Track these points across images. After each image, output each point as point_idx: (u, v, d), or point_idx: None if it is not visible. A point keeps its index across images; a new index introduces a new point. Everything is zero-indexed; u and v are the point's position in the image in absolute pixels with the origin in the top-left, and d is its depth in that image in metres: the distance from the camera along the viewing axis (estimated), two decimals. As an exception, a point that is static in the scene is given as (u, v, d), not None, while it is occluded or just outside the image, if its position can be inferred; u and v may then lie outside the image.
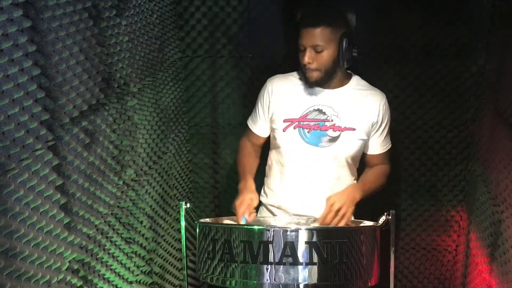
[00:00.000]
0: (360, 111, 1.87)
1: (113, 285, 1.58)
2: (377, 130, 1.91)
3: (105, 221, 1.50)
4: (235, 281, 1.48)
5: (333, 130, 1.85)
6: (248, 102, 2.43)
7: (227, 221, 1.92)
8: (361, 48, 2.36)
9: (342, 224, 1.70)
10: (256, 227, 1.52)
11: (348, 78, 1.92)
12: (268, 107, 1.94)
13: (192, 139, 2.60)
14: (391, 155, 2.04)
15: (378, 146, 1.95)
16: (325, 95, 1.88)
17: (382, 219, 1.59)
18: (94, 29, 1.43)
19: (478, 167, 2.31)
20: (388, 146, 1.99)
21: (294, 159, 1.91)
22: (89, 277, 1.39)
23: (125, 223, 1.66)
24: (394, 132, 2.46)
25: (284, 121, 1.89)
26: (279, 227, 1.50)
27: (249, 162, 2.01)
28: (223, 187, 2.70)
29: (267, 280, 1.44)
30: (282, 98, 1.91)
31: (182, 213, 1.68)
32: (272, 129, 1.96)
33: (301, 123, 1.86)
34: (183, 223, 1.69)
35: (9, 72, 1.01)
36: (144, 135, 1.89)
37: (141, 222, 1.82)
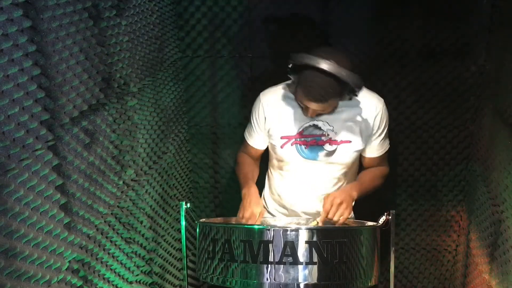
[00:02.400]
0: (355, 123, 1.85)
1: (113, 285, 1.58)
2: (374, 136, 1.89)
3: (105, 221, 1.50)
4: (235, 281, 1.48)
5: (329, 144, 1.85)
6: (248, 102, 2.43)
7: (227, 221, 1.92)
8: (361, 49, 2.38)
9: (344, 217, 1.70)
10: (256, 227, 1.52)
11: None
12: (264, 123, 1.93)
13: (192, 139, 2.60)
14: (389, 157, 2.02)
15: (375, 149, 1.93)
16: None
17: (382, 219, 1.59)
18: (94, 29, 1.43)
19: (478, 167, 2.31)
20: (386, 148, 1.96)
21: (293, 172, 1.94)
22: (89, 277, 1.39)
23: (125, 223, 1.66)
24: (394, 132, 2.46)
25: (282, 138, 1.89)
26: (279, 227, 1.50)
27: (250, 170, 1.99)
28: (223, 187, 2.70)
29: (267, 279, 1.44)
30: (277, 115, 1.90)
31: (182, 213, 1.68)
32: (270, 143, 1.96)
33: (298, 139, 1.87)
34: (183, 223, 1.69)
35: (9, 72, 1.01)
36: (144, 135, 1.89)
37: (141, 222, 1.82)
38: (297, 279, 1.44)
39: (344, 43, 2.38)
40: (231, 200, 2.69)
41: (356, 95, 1.69)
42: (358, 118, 1.85)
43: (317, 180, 1.92)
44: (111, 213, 1.55)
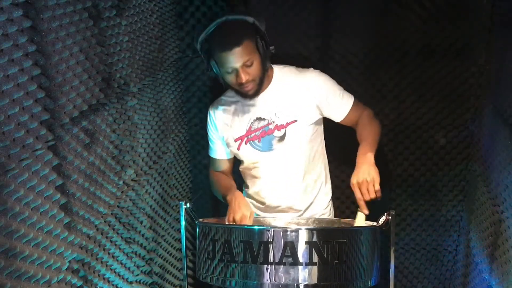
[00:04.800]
0: (295, 101, 1.88)
1: (113, 285, 1.58)
2: (328, 102, 1.90)
3: (105, 221, 1.50)
4: (235, 281, 1.48)
5: (278, 130, 1.89)
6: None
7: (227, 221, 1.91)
8: (361, 49, 2.38)
9: (377, 190, 1.70)
10: (256, 227, 1.52)
11: (271, 73, 1.92)
12: (218, 133, 2.00)
13: (192, 139, 2.60)
14: (360, 101, 2.00)
15: (340, 109, 1.93)
16: (257, 102, 1.90)
17: (382, 219, 1.58)
18: (94, 29, 1.43)
19: (478, 167, 2.31)
20: (350, 100, 1.95)
21: (258, 168, 1.97)
22: (89, 277, 1.39)
23: (125, 223, 1.66)
24: (394, 132, 2.46)
25: (235, 140, 1.95)
26: (279, 227, 1.50)
27: (228, 182, 1.99)
28: (223, 187, 2.70)
29: (267, 280, 1.44)
30: (225, 122, 1.97)
31: (182, 213, 1.68)
32: (231, 151, 2.01)
33: (249, 136, 1.93)
34: (183, 223, 1.69)
35: (9, 72, 1.01)
36: (144, 135, 1.89)
37: (141, 222, 1.82)
38: (297, 280, 1.44)
39: (344, 43, 2.38)
40: (231, 200, 2.69)
41: (265, 40, 1.77)
42: (297, 96, 1.88)
43: (286, 171, 1.93)
44: (111, 213, 1.55)
